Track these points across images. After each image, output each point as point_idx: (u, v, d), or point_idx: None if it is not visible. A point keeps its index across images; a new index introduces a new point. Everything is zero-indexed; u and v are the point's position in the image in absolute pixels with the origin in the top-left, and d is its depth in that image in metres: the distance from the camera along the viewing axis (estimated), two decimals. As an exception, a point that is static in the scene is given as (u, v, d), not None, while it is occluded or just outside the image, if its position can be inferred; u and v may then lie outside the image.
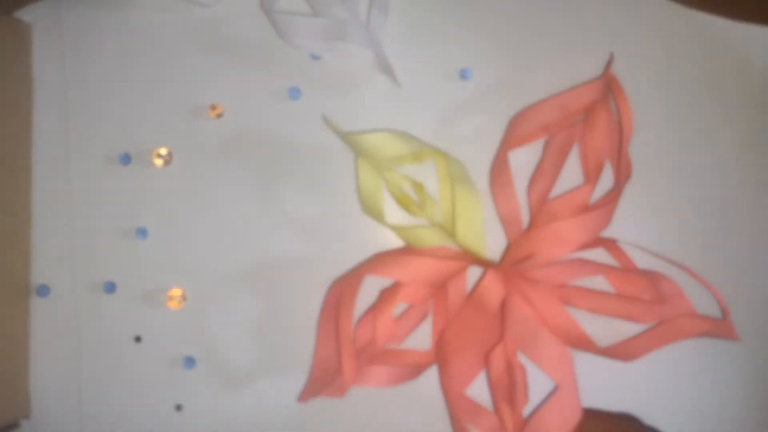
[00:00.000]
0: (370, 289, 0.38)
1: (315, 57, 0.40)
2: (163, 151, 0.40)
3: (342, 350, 0.36)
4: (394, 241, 0.39)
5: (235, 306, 0.40)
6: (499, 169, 0.39)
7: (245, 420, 0.40)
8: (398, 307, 0.38)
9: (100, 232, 0.40)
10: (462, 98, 0.40)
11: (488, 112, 0.40)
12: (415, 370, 0.38)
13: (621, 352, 0.37)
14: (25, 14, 0.41)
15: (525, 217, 0.39)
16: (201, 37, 0.40)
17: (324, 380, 0.38)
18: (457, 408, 0.37)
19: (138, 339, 0.40)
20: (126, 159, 0.40)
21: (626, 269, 0.38)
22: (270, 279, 0.40)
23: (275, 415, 0.40)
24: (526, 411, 0.37)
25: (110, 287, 0.40)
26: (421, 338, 0.39)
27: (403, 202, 0.39)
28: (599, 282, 0.39)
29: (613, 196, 0.38)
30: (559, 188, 0.39)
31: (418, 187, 0.39)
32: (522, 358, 0.37)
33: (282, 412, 0.40)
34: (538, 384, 0.38)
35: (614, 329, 0.38)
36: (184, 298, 0.40)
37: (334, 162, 0.40)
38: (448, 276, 0.38)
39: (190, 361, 0.40)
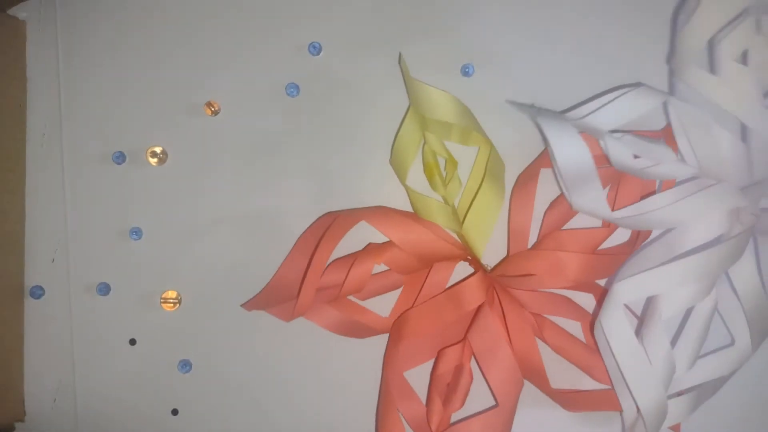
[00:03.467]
0: (359, 235, 0.37)
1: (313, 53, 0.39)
2: (158, 149, 0.39)
3: (308, 278, 0.35)
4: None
5: (231, 308, 0.39)
6: (525, 181, 0.37)
7: (241, 424, 0.39)
8: (378, 266, 0.37)
9: (94, 233, 0.40)
10: (464, 95, 0.39)
11: (489, 111, 0.39)
12: (365, 331, 0.37)
13: (566, 400, 0.37)
14: (19, 11, 0.40)
15: (532, 236, 0.38)
16: (196, 33, 0.40)
17: (277, 297, 0.37)
18: (390, 385, 0.36)
19: (133, 342, 0.39)
20: (120, 158, 0.39)
21: None
22: (267, 280, 0.39)
23: (272, 418, 0.39)
24: (456, 416, 0.37)
25: (104, 289, 0.39)
26: (381, 304, 0.38)
27: (430, 171, 0.37)
28: (575, 325, 0.38)
29: (625, 250, 0.36)
30: (575, 222, 0.38)
31: (452, 163, 0.37)
32: (474, 366, 0.37)
33: (278, 415, 0.39)
34: (478, 397, 0.37)
35: (571, 375, 0.37)
36: (179, 300, 0.39)
37: (334, 160, 0.39)
38: (439, 258, 0.37)
39: (185, 365, 0.39)
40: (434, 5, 0.39)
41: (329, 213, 0.38)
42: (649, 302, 0.33)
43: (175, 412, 0.40)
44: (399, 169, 0.37)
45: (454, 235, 0.38)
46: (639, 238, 0.37)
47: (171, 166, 0.40)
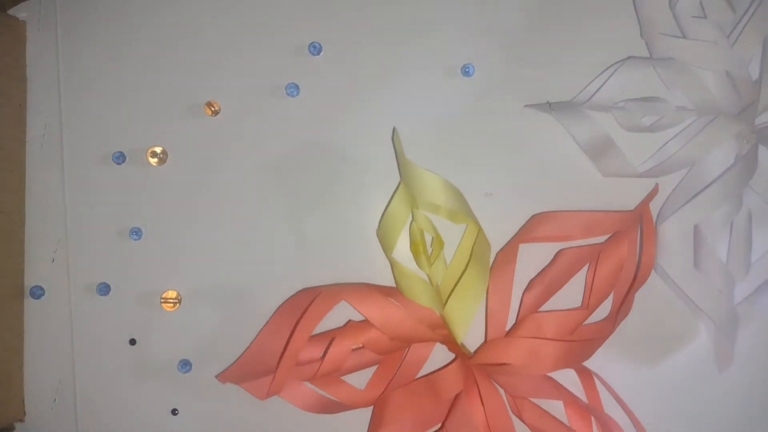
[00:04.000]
0: (340, 308, 0.37)
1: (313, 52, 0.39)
2: (158, 149, 0.39)
3: (285, 359, 0.35)
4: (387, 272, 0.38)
5: (231, 308, 0.39)
6: (503, 261, 0.37)
7: (241, 424, 0.39)
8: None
9: (94, 233, 0.40)
10: (464, 95, 0.39)
11: (490, 110, 0.39)
12: (339, 408, 0.37)
13: None
14: (20, 11, 0.40)
15: (511, 316, 0.38)
16: (197, 33, 0.40)
17: (251, 371, 0.37)
18: None
19: (133, 342, 0.39)
20: (120, 158, 0.39)
21: (588, 406, 0.37)
22: (267, 280, 0.39)
23: (272, 418, 0.39)
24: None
25: (104, 289, 0.39)
26: (358, 377, 0.38)
27: (416, 248, 0.37)
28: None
29: (604, 332, 0.37)
30: (554, 300, 0.38)
31: (438, 243, 0.37)
32: None
33: (278, 416, 0.39)
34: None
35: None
36: (179, 300, 0.39)
37: (333, 160, 0.39)
38: (418, 341, 0.37)
39: (185, 365, 0.39)
40: (434, 5, 0.39)
41: (309, 289, 0.38)
42: (695, 232, 0.37)
43: (175, 412, 0.39)
44: (385, 241, 0.37)
45: (437, 315, 0.37)
46: (616, 321, 0.37)
47: (171, 166, 0.40)
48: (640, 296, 0.37)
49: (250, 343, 0.38)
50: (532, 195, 0.39)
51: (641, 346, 0.39)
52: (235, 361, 0.38)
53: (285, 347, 0.36)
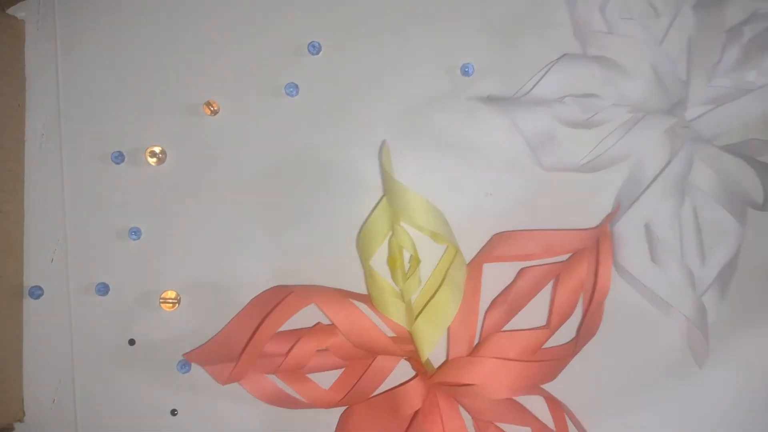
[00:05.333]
0: (310, 308, 0.37)
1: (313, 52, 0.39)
2: (157, 149, 0.39)
3: (248, 350, 0.36)
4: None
5: (230, 308, 0.39)
6: (468, 280, 0.37)
7: (240, 425, 0.39)
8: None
9: (93, 233, 0.40)
10: (464, 94, 0.39)
11: (490, 109, 0.39)
12: (299, 405, 0.37)
13: None
14: (18, 11, 0.40)
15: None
16: (196, 32, 0.40)
17: (216, 355, 0.37)
18: None
19: (132, 342, 0.39)
20: (119, 158, 0.39)
21: None
22: (267, 280, 0.39)
23: (271, 418, 0.39)
24: None
25: (103, 289, 0.39)
26: (326, 379, 0.38)
27: (393, 263, 0.37)
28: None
29: (567, 353, 0.37)
30: (525, 320, 0.38)
31: (416, 261, 0.37)
32: None
33: (277, 417, 0.39)
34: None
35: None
36: (178, 300, 0.39)
37: (333, 159, 0.39)
38: (380, 352, 0.37)
39: (185, 365, 0.39)
40: (434, 4, 0.39)
41: (283, 286, 0.38)
42: (647, 230, 0.38)
43: (174, 412, 0.39)
44: (363, 253, 0.37)
45: (405, 327, 0.37)
46: (579, 342, 0.36)
47: (170, 166, 0.39)
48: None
49: (221, 329, 0.38)
50: (532, 195, 0.39)
51: (614, 352, 0.39)
52: (204, 344, 0.38)
53: (250, 338, 0.36)
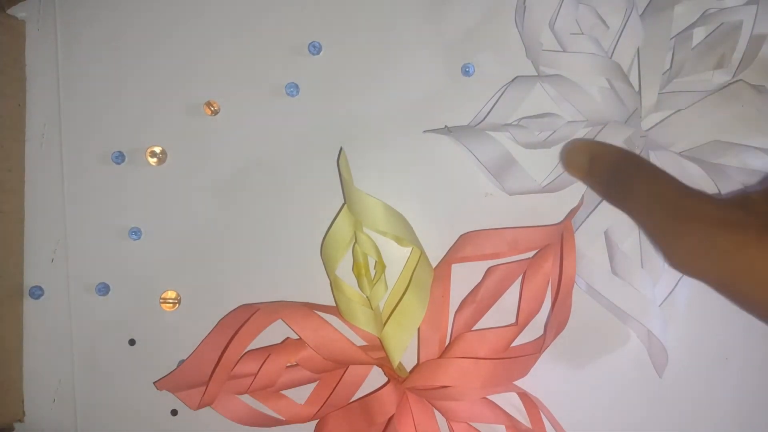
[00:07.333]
0: (278, 324, 0.37)
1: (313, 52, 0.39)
2: (158, 149, 0.39)
3: (217, 372, 0.35)
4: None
5: (230, 308, 0.39)
6: (434, 282, 0.37)
7: (240, 425, 0.39)
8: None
9: (93, 233, 0.39)
10: (465, 94, 0.39)
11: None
12: (277, 420, 0.37)
13: None
14: (19, 11, 0.40)
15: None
16: (196, 33, 0.40)
17: (187, 381, 0.37)
18: None
19: (132, 342, 0.39)
20: (119, 158, 0.39)
21: (530, 431, 0.37)
22: (266, 279, 0.39)
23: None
24: None
25: (104, 289, 0.39)
26: (301, 393, 0.38)
27: (358, 270, 0.37)
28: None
29: (536, 348, 0.37)
30: (488, 318, 0.38)
31: (381, 265, 0.38)
32: None
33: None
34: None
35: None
36: (178, 300, 0.39)
37: (332, 160, 0.39)
38: (351, 362, 0.37)
39: (185, 365, 0.39)
40: (434, 4, 0.39)
41: (248, 305, 0.38)
42: (606, 239, 0.38)
43: (174, 412, 0.39)
44: (328, 262, 0.37)
45: (375, 335, 0.37)
46: (548, 335, 0.36)
47: (170, 166, 0.39)
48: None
49: (190, 354, 0.38)
50: (532, 194, 0.39)
51: (575, 360, 0.39)
52: (174, 370, 0.38)
53: (218, 360, 0.36)
